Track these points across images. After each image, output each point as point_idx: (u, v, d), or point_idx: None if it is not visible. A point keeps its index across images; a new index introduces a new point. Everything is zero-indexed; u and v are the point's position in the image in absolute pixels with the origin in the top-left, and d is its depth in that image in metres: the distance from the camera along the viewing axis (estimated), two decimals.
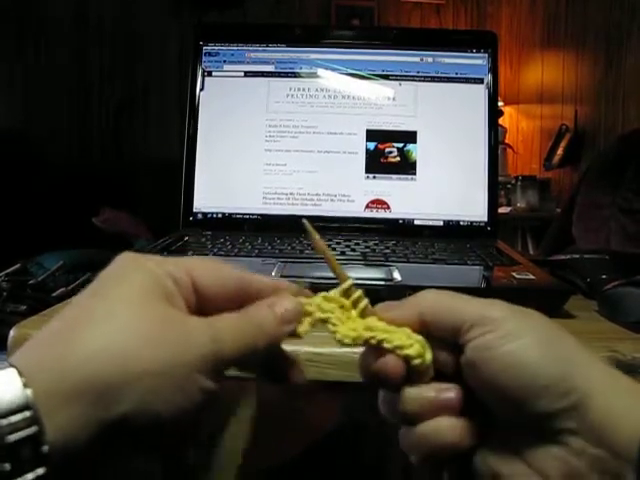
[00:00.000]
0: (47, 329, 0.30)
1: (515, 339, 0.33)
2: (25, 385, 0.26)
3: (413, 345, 0.34)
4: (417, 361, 0.34)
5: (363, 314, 0.36)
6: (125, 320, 0.29)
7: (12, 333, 0.52)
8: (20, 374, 0.26)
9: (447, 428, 0.34)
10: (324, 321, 0.35)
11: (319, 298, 0.36)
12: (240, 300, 0.34)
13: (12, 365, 0.27)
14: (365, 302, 0.36)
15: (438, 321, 0.35)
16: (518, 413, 0.33)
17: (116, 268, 0.32)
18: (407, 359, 0.34)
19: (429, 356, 0.35)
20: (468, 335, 0.34)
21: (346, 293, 0.36)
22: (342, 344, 0.35)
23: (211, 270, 0.34)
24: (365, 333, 0.35)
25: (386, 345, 0.34)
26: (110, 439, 0.27)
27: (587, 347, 0.34)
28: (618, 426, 0.31)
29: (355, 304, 0.36)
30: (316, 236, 0.36)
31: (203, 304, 0.33)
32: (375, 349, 0.35)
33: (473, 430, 0.35)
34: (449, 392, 0.35)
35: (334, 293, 0.36)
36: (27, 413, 0.26)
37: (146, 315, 0.29)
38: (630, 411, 0.31)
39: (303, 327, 0.35)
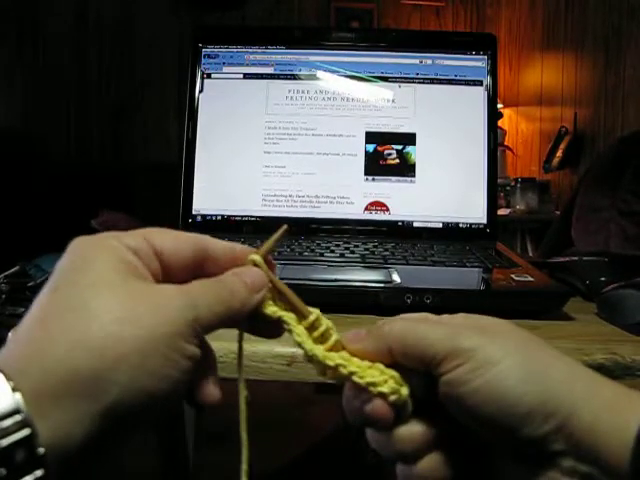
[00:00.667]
0: (22, 328, 0.29)
1: (490, 368, 0.32)
2: (13, 389, 0.26)
3: (387, 381, 0.33)
4: (393, 397, 0.33)
5: (333, 348, 0.35)
6: (96, 305, 0.28)
7: (10, 336, 0.52)
8: (7, 378, 0.26)
9: (442, 463, 0.34)
10: (289, 329, 0.35)
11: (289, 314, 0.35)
12: (198, 264, 0.34)
13: None
14: (334, 338, 0.35)
15: (407, 354, 0.34)
16: (504, 441, 0.32)
17: (73, 255, 0.31)
18: (382, 396, 0.33)
19: (405, 391, 0.34)
20: (439, 369, 0.33)
21: (313, 326, 0.35)
22: (310, 360, 0.34)
23: (168, 236, 0.34)
24: (338, 359, 0.34)
25: (357, 380, 0.33)
26: (106, 426, 0.27)
27: (563, 354, 0.34)
28: (605, 443, 0.30)
29: (323, 337, 0.35)
30: (271, 275, 0.36)
31: (165, 270, 0.33)
32: (357, 390, 0.34)
33: (466, 459, 0.34)
34: (436, 428, 0.34)
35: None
36: (18, 417, 0.25)
37: (117, 295, 0.29)
38: (614, 426, 0.30)
39: (270, 307, 0.35)
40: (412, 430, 0.34)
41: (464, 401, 0.32)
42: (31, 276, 1.27)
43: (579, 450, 0.31)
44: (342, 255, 0.73)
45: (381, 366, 0.34)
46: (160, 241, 0.33)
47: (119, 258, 0.31)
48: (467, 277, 0.71)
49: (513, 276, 0.65)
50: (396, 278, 0.64)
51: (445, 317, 0.37)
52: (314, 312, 0.35)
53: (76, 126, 3.42)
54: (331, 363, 0.33)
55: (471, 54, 0.91)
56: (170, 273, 0.33)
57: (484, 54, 0.91)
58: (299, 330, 0.34)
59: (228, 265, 0.35)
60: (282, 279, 0.59)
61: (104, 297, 0.29)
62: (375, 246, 0.79)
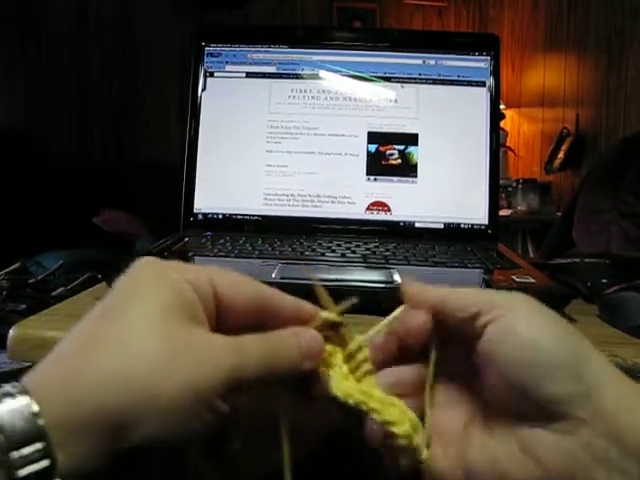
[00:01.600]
0: (59, 351, 0.28)
1: (534, 322, 0.33)
2: (37, 415, 0.25)
3: (404, 423, 0.33)
4: (403, 441, 0.33)
5: (364, 375, 0.35)
6: (141, 344, 0.27)
7: (11, 333, 0.52)
8: (33, 402, 0.25)
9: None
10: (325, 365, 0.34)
11: (330, 346, 0.35)
12: (260, 315, 0.33)
13: (26, 391, 0.26)
14: (368, 366, 0.35)
15: (459, 306, 0.35)
16: (528, 397, 0.32)
17: (134, 278, 0.31)
18: (393, 436, 0.33)
19: (418, 439, 0.33)
20: (488, 316, 0.34)
21: (352, 353, 0.35)
22: (333, 395, 0.33)
23: (233, 281, 0.33)
24: (358, 396, 0.33)
25: (375, 417, 0.33)
26: (120, 464, 0.27)
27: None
28: (629, 420, 0.30)
29: (358, 364, 0.35)
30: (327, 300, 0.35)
31: (223, 315, 0.32)
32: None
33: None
34: None
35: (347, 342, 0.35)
36: (39, 445, 0.24)
37: (162, 338, 0.28)
38: (637, 409, 0.31)
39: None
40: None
41: (505, 345, 0.33)
42: (32, 273, 1.27)
43: (602, 421, 0.30)
44: (343, 255, 0.73)
45: (403, 406, 0.33)
46: (223, 283, 0.32)
47: (176, 293, 0.30)
48: (468, 278, 0.71)
49: (514, 277, 0.65)
50: (397, 278, 0.64)
51: None
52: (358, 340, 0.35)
53: (78, 125, 3.42)
54: (351, 401, 0.33)
55: (474, 55, 0.91)
56: (226, 317, 0.32)
57: (487, 55, 0.91)
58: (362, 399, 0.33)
59: (290, 321, 0.34)
60: (283, 279, 0.59)
61: (148, 337, 0.28)
62: (376, 246, 0.79)
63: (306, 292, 0.36)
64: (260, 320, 0.33)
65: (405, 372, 0.36)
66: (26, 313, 0.94)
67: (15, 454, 0.24)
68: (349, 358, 0.35)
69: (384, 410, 0.33)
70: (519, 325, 0.33)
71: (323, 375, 0.34)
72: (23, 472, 0.24)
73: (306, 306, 0.35)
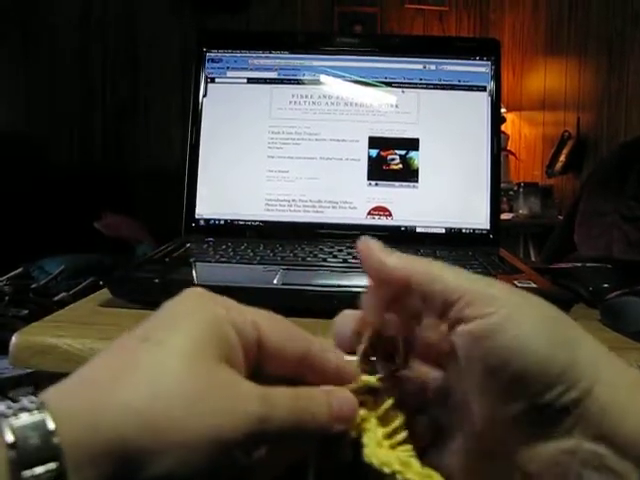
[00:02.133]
0: (86, 371, 0.27)
1: (521, 321, 0.29)
2: (53, 433, 0.24)
3: None
4: None
5: (399, 443, 0.32)
6: (171, 379, 0.27)
7: (14, 339, 0.52)
8: (53, 419, 0.24)
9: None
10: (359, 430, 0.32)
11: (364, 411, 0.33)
12: (300, 367, 0.32)
13: (43, 405, 0.25)
14: (403, 434, 0.33)
15: (427, 290, 0.31)
16: (514, 406, 0.29)
17: (180, 306, 0.30)
18: None
19: None
20: (463, 313, 0.30)
21: (386, 415, 0.33)
22: (367, 461, 0.31)
23: (280, 328, 0.31)
24: (396, 465, 0.30)
25: None
26: None
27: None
28: (622, 419, 0.28)
29: (393, 429, 0.33)
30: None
31: (263, 361, 0.31)
32: None
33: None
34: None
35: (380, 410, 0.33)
36: (52, 465, 0.24)
37: (196, 376, 0.27)
38: (633, 404, 0.29)
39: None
40: None
41: (491, 354, 0.29)
42: (34, 278, 1.27)
43: (593, 422, 0.29)
44: (345, 260, 0.73)
45: (439, 478, 0.31)
46: (269, 330, 0.31)
47: (219, 331, 0.29)
48: None
49: (516, 282, 0.65)
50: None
51: None
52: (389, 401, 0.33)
53: (79, 129, 3.43)
54: (387, 470, 0.30)
55: (474, 59, 0.91)
56: (266, 364, 0.31)
57: (488, 59, 0.91)
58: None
59: (330, 378, 0.32)
60: (285, 285, 0.59)
61: (181, 374, 0.27)
62: None
63: (306, 298, 0.36)
64: (299, 371, 0.32)
65: None
66: (28, 318, 0.94)
67: (27, 473, 0.24)
68: (384, 423, 0.33)
69: None
70: (502, 330, 0.29)
71: (355, 439, 0.32)
72: None
73: (349, 366, 0.33)
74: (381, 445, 0.32)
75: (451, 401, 0.33)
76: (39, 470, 0.23)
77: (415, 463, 0.31)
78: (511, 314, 0.29)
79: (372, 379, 0.33)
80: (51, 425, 0.24)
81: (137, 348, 0.28)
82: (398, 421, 0.33)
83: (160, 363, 0.27)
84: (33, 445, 0.24)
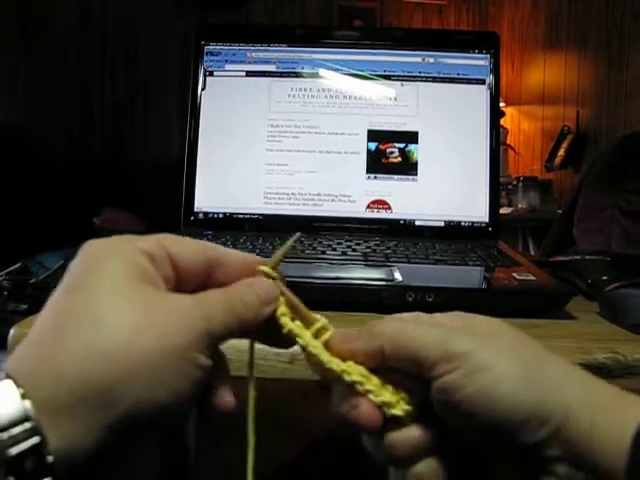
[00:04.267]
0: (34, 332, 0.29)
1: (484, 373, 0.31)
2: (23, 396, 0.25)
3: (399, 402, 0.33)
4: (405, 419, 0.33)
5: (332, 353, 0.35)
6: (110, 314, 0.28)
7: (12, 332, 0.52)
8: (17, 385, 0.26)
9: (435, 470, 0.33)
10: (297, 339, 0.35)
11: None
12: (209, 273, 0.34)
13: (9, 375, 0.26)
14: (328, 334, 0.35)
15: (399, 356, 0.33)
16: (499, 446, 0.31)
17: (89, 256, 0.31)
18: (397, 421, 0.33)
19: (411, 409, 0.33)
20: (432, 373, 0.32)
21: (317, 334, 0.35)
22: (322, 371, 0.34)
23: (183, 243, 0.34)
24: (356, 376, 0.33)
25: (372, 398, 0.33)
26: (116, 436, 0.27)
27: (556, 355, 0.33)
28: (601, 448, 0.29)
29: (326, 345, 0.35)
30: (280, 285, 0.35)
31: (178, 277, 0.33)
32: (345, 394, 0.33)
33: (461, 464, 0.34)
34: (431, 433, 0.33)
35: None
36: (27, 425, 0.25)
37: (131, 304, 0.29)
38: (611, 431, 0.30)
39: (283, 319, 0.35)
40: (406, 435, 0.33)
41: (457, 407, 0.31)
42: (33, 273, 1.27)
43: (575, 456, 0.30)
44: (344, 253, 0.73)
45: (391, 387, 0.33)
46: (174, 248, 0.33)
47: (133, 263, 0.30)
48: (469, 276, 0.71)
49: (515, 275, 0.65)
50: (398, 276, 0.64)
51: (437, 316, 0.36)
52: (320, 320, 0.35)
53: (79, 124, 3.42)
54: (348, 378, 0.33)
55: (474, 52, 0.91)
56: (182, 280, 0.33)
57: (487, 53, 0.91)
58: (314, 343, 0.34)
59: (239, 275, 0.35)
60: (285, 277, 0.59)
61: (118, 305, 0.28)
62: (377, 244, 0.79)
63: (306, 290, 0.37)
64: (211, 278, 0.34)
65: None
66: (27, 313, 0.94)
67: (4, 435, 0.25)
68: (316, 337, 0.35)
69: (379, 392, 0.33)
70: (474, 384, 0.31)
71: (295, 336, 0.34)
72: (14, 450, 0.25)
73: (249, 257, 0.36)
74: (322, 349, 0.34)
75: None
76: (15, 430, 0.25)
77: (373, 378, 0.33)
78: (474, 368, 0.31)
79: (266, 268, 0.36)
80: (19, 390, 0.25)
81: (68, 299, 0.29)
82: (328, 335, 0.35)
83: (94, 304, 0.28)
84: (6, 411, 0.25)
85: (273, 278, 0.35)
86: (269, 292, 0.34)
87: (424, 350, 0.32)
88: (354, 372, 0.33)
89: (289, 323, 0.34)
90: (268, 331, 0.35)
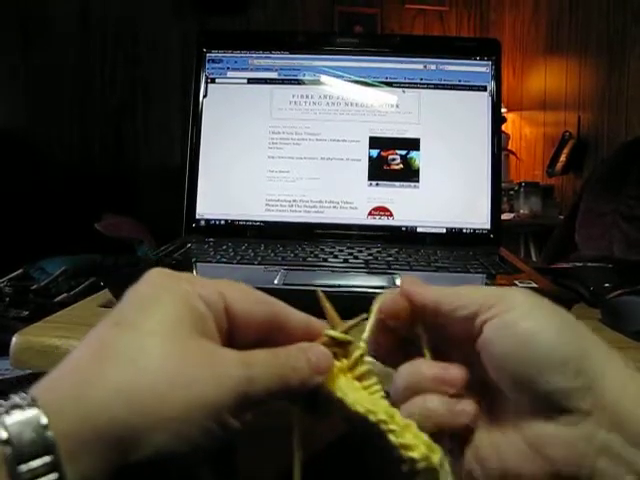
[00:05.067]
0: (69, 362, 0.28)
1: (533, 317, 0.33)
2: (47, 427, 0.25)
3: (419, 447, 0.32)
4: (422, 464, 0.31)
5: (375, 391, 0.34)
6: (152, 357, 0.27)
7: (14, 340, 0.52)
8: (44, 414, 0.25)
9: (436, 406, 0.34)
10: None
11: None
12: (269, 330, 0.33)
13: (35, 401, 0.25)
14: (376, 381, 0.34)
15: (457, 305, 0.35)
16: (530, 391, 0.32)
17: (146, 289, 0.31)
18: (412, 462, 0.31)
19: (435, 458, 0.32)
20: (487, 314, 0.33)
21: (355, 362, 0.34)
22: (353, 410, 0.32)
23: (244, 295, 0.33)
24: (381, 414, 0.32)
25: (392, 438, 0.31)
26: (128, 475, 0.26)
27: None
28: (633, 411, 0.30)
29: (365, 377, 0.34)
30: (327, 305, 0.35)
31: (234, 330, 0.32)
32: None
33: (470, 410, 0.34)
34: (450, 369, 0.35)
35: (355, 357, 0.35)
36: (47, 458, 0.24)
37: (174, 352, 0.28)
38: None
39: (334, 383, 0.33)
40: (421, 369, 0.35)
41: (505, 343, 0.32)
42: (34, 279, 1.27)
43: (606, 413, 0.31)
44: (346, 260, 0.73)
45: (415, 428, 0.32)
46: (234, 298, 0.32)
47: (188, 308, 0.30)
48: (471, 283, 0.71)
49: (516, 282, 0.65)
50: (399, 284, 0.63)
51: None
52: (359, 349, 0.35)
53: (79, 129, 3.42)
54: (360, 409, 0.32)
55: (475, 59, 0.91)
56: (237, 333, 0.32)
57: (488, 59, 0.91)
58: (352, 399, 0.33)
59: (300, 337, 0.34)
60: (286, 285, 0.59)
61: (161, 351, 0.28)
62: (379, 251, 0.79)
63: (309, 298, 0.36)
64: (269, 335, 0.33)
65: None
66: (29, 319, 0.94)
67: (23, 467, 0.24)
68: (356, 373, 0.34)
69: (401, 433, 0.32)
70: (518, 322, 0.33)
71: (334, 392, 0.33)
72: None
73: (315, 322, 0.35)
74: (356, 391, 0.33)
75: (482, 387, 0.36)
76: (35, 464, 0.24)
77: (397, 413, 0.33)
78: (527, 311, 0.33)
79: (337, 333, 0.34)
80: (44, 420, 0.25)
81: (112, 334, 0.29)
82: (366, 367, 0.34)
83: (137, 344, 0.28)
84: (27, 440, 0.24)
85: (345, 342, 0.34)
86: (323, 360, 0.33)
87: (482, 297, 0.34)
88: (380, 411, 0.32)
89: (337, 393, 0.33)
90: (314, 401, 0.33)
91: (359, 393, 0.33)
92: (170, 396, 0.27)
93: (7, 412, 0.25)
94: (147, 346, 0.28)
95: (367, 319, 0.36)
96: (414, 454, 0.32)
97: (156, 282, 0.31)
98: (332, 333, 0.34)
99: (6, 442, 0.24)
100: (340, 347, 0.34)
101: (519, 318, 0.33)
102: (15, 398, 0.26)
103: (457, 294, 0.36)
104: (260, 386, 0.29)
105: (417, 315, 0.37)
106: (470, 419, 0.34)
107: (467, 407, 0.34)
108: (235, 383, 0.28)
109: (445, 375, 0.34)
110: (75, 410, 0.25)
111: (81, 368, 0.27)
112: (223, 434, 0.28)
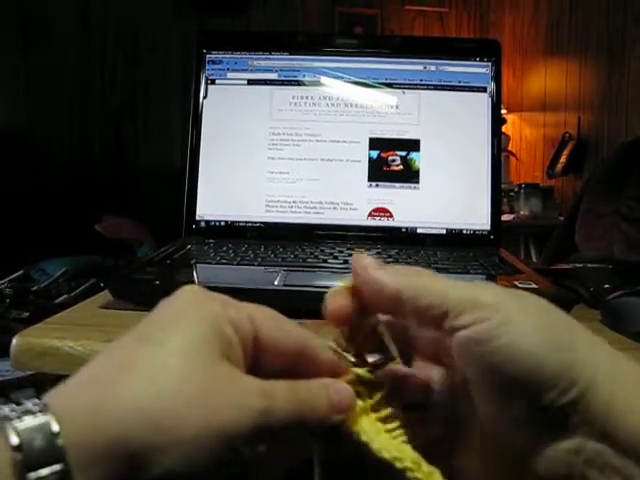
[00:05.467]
0: (87, 372, 0.27)
1: (515, 326, 0.29)
2: (58, 435, 0.24)
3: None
4: None
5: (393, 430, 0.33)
6: (173, 379, 0.27)
7: (14, 341, 0.52)
8: (56, 420, 0.24)
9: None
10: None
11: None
12: (295, 361, 0.32)
13: (49, 408, 0.25)
14: (395, 422, 0.33)
15: (420, 302, 0.31)
16: (514, 408, 0.30)
17: (176, 306, 0.30)
18: None
19: None
20: (457, 321, 0.30)
21: (378, 403, 0.34)
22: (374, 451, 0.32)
23: (276, 324, 0.32)
24: (394, 452, 0.31)
25: (409, 475, 0.31)
26: None
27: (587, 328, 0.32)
28: (623, 419, 0.28)
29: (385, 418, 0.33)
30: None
31: (260, 355, 0.31)
32: None
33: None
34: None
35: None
36: (57, 467, 0.24)
37: (197, 373, 0.27)
38: (632, 401, 0.29)
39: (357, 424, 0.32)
40: None
41: (485, 359, 0.29)
42: (35, 280, 1.27)
43: (593, 424, 0.29)
44: (346, 262, 0.73)
45: (439, 476, 0.31)
46: (264, 325, 0.31)
47: (216, 330, 0.29)
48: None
49: (517, 283, 0.65)
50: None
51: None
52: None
53: (79, 130, 3.43)
54: (387, 455, 0.31)
55: (475, 60, 0.91)
56: (262, 358, 0.31)
57: (488, 60, 0.91)
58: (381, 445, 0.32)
59: (326, 371, 0.32)
60: (286, 286, 0.59)
61: (182, 372, 0.27)
62: (379, 252, 0.79)
63: (307, 299, 0.36)
64: (296, 365, 0.32)
65: None
66: (29, 321, 0.94)
67: (32, 475, 0.24)
68: (379, 415, 0.33)
69: (417, 469, 0.31)
70: (492, 338, 0.29)
71: (358, 434, 0.32)
72: None
73: (341, 360, 0.34)
74: (379, 433, 0.32)
75: (457, 401, 0.34)
76: (44, 472, 0.24)
77: (411, 451, 0.32)
78: (505, 319, 0.30)
79: (363, 371, 0.33)
80: (55, 427, 0.24)
81: (136, 348, 0.28)
82: (387, 411, 0.33)
83: (160, 362, 0.27)
84: (38, 447, 0.24)
85: (371, 382, 0.33)
86: (344, 399, 0.31)
87: (450, 298, 0.31)
88: (392, 449, 0.31)
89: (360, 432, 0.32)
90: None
91: (382, 436, 0.32)
92: (187, 419, 0.26)
93: (19, 417, 0.25)
94: (169, 365, 0.27)
95: (395, 359, 0.35)
96: None
97: (187, 300, 0.30)
98: (358, 371, 0.33)
99: (16, 448, 0.24)
100: (365, 386, 0.34)
101: (498, 330, 0.29)
102: (28, 404, 0.25)
103: (423, 287, 0.32)
104: (277, 419, 0.28)
105: (374, 305, 0.34)
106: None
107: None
108: (254, 414, 0.28)
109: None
110: (89, 421, 0.25)
111: (99, 379, 0.27)
112: (234, 461, 0.28)
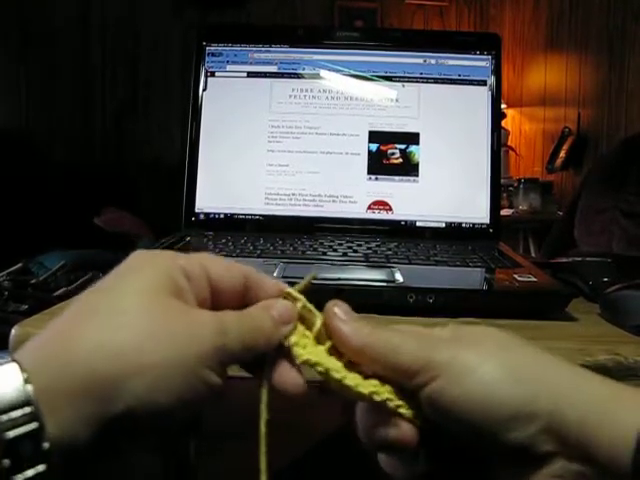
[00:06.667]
0: (51, 325, 0.29)
1: (467, 377, 0.31)
2: (26, 381, 0.26)
3: (384, 391, 0.33)
4: (391, 404, 0.33)
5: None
6: (128, 314, 0.29)
7: (14, 332, 0.52)
8: (21, 370, 0.26)
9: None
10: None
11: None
12: (244, 297, 0.35)
13: (14, 360, 0.27)
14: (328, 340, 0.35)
15: (380, 363, 0.33)
16: (491, 446, 0.31)
17: (128, 263, 0.32)
18: (411, 421, 0.33)
19: (396, 400, 0.33)
20: (415, 381, 0.32)
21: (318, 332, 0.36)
22: (338, 387, 0.34)
23: (222, 266, 0.34)
24: (372, 388, 0.33)
25: (390, 405, 0.33)
26: (112, 434, 0.27)
27: (546, 352, 0.33)
28: (596, 439, 0.29)
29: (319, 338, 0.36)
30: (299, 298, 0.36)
31: (215, 299, 0.34)
32: (376, 416, 0.34)
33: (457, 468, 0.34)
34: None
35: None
36: (27, 409, 0.26)
37: (151, 308, 0.29)
38: (605, 420, 0.30)
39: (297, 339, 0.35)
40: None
41: (446, 412, 0.32)
42: (34, 273, 1.27)
43: (569, 449, 0.30)
44: (345, 254, 0.73)
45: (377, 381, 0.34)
46: (214, 269, 0.34)
47: (167, 276, 0.31)
48: (470, 277, 0.71)
49: (516, 276, 0.65)
50: (399, 277, 0.64)
51: (436, 329, 0.36)
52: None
53: (79, 123, 3.42)
54: (365, 391, 0.33)
55: (475, 54, 0.91)
56: (218, 301, 0.34)
57: (488, 54, 0.91)
58: (334, 366, 0.34)
59: (272, 296, 0.36)
60: (284, 278, 0.60)
61: (139, 307, 0.29)
62: (378, 245, 0.79)
63: (308, 292, 0.37)
64: (247, 301, 0.35)
65: None
66: (28, 313, 0.94)
67: (4, 417, 0.25)
68: (324, 345, 0.35)
69: (395, 398, 0.33)
70: (445, 392, 0.31)
71: (329, 372, 0.34)
72: (12, 434, 0.25)
73: (282, 284, 0.37)
74: (344, 370, 0.34)
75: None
76: (15, 414, 0.25)
77: (387, 386, 0.34)
78: (458, 373, 0.32)
79: (290, 290, 0.36)
80: (23, 374, 0.26)
81: (93, 297, 0.30)
82: (330, 343, 0.35)
83: (117, 303, 0.29)
84: (8, 393, 0.26)
85: (295, 299, 0.36)
86: (285, 313, 0.35)
87: (406, 359, 0.33)
88: (384, 391, 0.33)
89: (302, 353, 0.34)
90: (282, 375, 0.34)
91: (351, 372, 0.34)
92: (149, 347, 0.28)
93: None
94: (125, 304, 0.29)
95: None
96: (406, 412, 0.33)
97: (138, 257, 0.33)
98: (288, 289, 0.36)
99: None
100: (302, 320, 0.36)
101: (452, 384, 0.31)
102: None
103: (384, 347, 0.33)
104: (233, 338, 0.31)
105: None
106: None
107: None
108: (209, 336, 0.30)
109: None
110: (55, 364, 0.27)
111: (62, 327, 0.29)
112: (206, 390, 0.30)
